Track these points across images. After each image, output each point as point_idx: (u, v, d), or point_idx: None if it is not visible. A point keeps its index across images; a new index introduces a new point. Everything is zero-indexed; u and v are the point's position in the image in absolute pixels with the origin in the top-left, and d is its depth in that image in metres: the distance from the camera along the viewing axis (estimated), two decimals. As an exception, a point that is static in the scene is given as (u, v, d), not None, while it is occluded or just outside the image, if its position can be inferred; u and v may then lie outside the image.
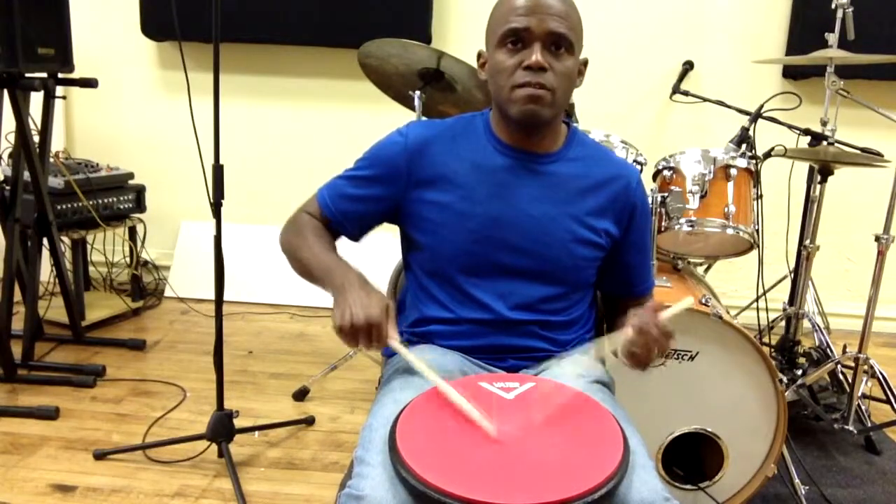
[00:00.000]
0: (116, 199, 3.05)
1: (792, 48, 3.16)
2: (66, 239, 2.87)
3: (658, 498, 1.03)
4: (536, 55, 1.20)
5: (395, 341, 1.14)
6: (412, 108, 2.32)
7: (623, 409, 1.24)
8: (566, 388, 1.17)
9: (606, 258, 1.36)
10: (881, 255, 2.14)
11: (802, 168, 2.55)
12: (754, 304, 2.52)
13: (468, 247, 1.29)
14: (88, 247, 3.25)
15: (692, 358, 1.77)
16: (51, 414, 2.25)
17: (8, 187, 2.52)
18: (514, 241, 1.29)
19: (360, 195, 1.35)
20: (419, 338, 1.35)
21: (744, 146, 2.09)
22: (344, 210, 1.36)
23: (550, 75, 1.21)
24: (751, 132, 2.12)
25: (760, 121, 2.23)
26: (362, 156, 1.36)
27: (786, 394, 1.83)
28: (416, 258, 1.37)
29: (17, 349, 2.54)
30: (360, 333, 1.12)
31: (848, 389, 2.24)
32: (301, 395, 2.48)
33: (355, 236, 1.39)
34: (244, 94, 3.43)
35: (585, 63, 1.31)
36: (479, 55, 1.33)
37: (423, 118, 2.31)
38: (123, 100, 3.50)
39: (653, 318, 1.14)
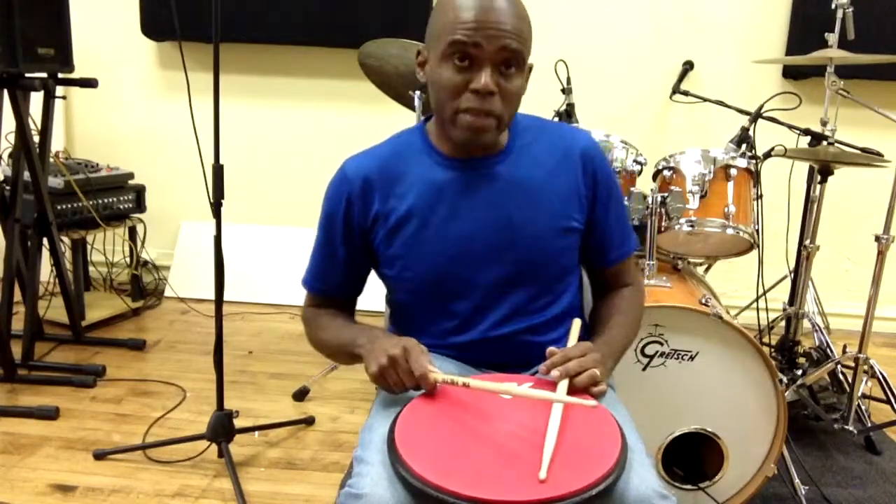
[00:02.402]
0: (116, 199, 3.05)
1: (792, 48, 3.16)
2: (66, 239, 2.87)
3: (655, 495, 1.03)
4: (486, 78, 1.12)
5: (433, 372, 1.11)
6: (412, 108, 2.32)
7: (623, 407, 1.24)
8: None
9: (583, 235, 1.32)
10: (881, 255, 2.14)
11: (802, 168, 2.55)
12: (754, 304, 2.52)
13: (439, 272, 1.26)
14: (88, 247, 3.25)
15: (692, 358, 1.77)
16: (51, 414, 2.25)
17: (8, 187, 2.52)
18: (485, 254, 1.25)
19: (336, 262, 1.32)
20: None
21: (744, 146, 2.09)
22: (332, 283, 1.35)
23: (498, 100, 1.14)
24: (751, 132, 2.12)
25: (760, 121, 2.22)
26: (319, 218, 1.33)
27: (786, 394, 1.83)
28: (396, 294, 1.34)
29: (17, 349, 2.54)
30: (397, 364, 1.10)
31: (848, 389, 2.24)
32: (301, 395, 2.48)
33: (357, 293, 1.39)
34: (244, 94, 3.43)
35: (531, 68, 1.23)
36: (419, 53, 1.26)
37: (423, 115, 2.30)
38: (123, 100, 3.50)
39: (562, 358, 1.13)
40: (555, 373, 1.12)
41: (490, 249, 1.25)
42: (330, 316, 1.36)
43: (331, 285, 1.36)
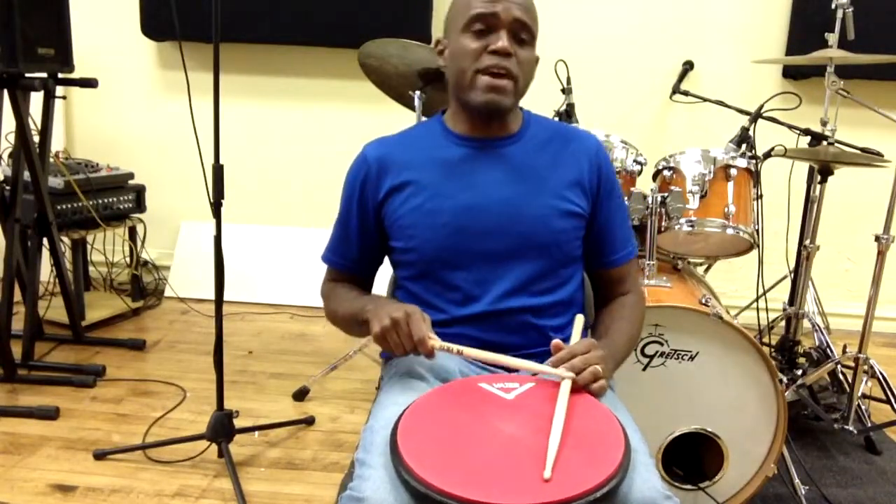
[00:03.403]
0: (116, 199, 3.05)
1: (792, 48, 3.16)
2: (66, 239, 2.86)
3: (659, 496, 1.03)
4: (503, 41, 1.22)
5: (431, 339, 1.15)
6: (412, 108, 2.32)
7: (624, 407, 1.24)
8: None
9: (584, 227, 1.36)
10: (881, 255, 2.14)
11: (802, 168, 2.55)
12: (754, 304, 2.52)
13: (446, 241, 1.30)
14: (88, 247, 3.25)
15: (692, 358, 1.77)
16: (51, 414, 2.25)
17: (8, 187, 2.52)
18: (490, 225, 1.29)
19: (351, 238, 1.38)
20: None
21: (744, 146, 2.09)
22: (348, 259, 1.41)
23: (514, 62, 1.23)
24: (751, 132, 2.12)
25: (760, 121, 2.22)
26: (340, 196, 1.39)
27: (786, 394, 1.83)
28: (403, 266, 1.37)
29: (17, 349, 2.54)
30: (398, 326, 1.14)
31: (848, 389, 2.24)
32: (301, 395, 2.48)
33: (373, 271, 1.44)
34: (244, 94, 3.43)
35: (537, 60, 1.33)
36: (437, 42, 1.35)
37: (424, 118, 2.31)
38: (123, 100, 3.50)
39: (569, 354, 1.14)
40: (562, 369, 1.13)
41: (494, 222, 1.29)
42: (345, 289, 1.41)
43: (347, 260, 1.41)
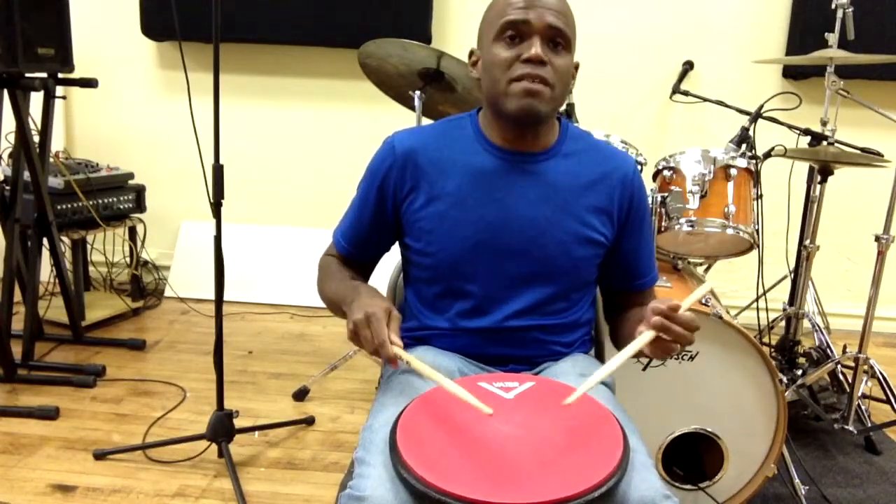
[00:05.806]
0: (116, 199, 3.06)
1: (792, 48, 3.16)
2: (66, 239, 2.87)
3: (658, 496, 1.03)
4: (536, 48, 1.18)
5: (394, 346, 1.11)
6: (412, 108, 2.31)
7: (623, 408, 1.24)
8: (566, 388, 1.17)
9: (606, 253, 1.34)
10: (881, 255, 2.14)
11: (802, 168, 2.55)
12: (754, 304, 2.52)
13: (463, 255, 1.27)
14: (88, 247, 3.25)
15: (692, 358, 1.77)
16: (51, 414, 2.25)
17: (8, 187, 2.52)
18: (511, 245, 1.27)
19: (366, 226, 1.34)
20: (417, 341, 1.34)
21: (744, 146, 2.09)
22: (357, 244, 1.37)
23: (549, 70, 1.19)
24: (751, 132, 2.12)
25: (760, 121, 2.23)
26: (361, 178, 1.35)
27: (786, 394, 1.83)
28: (414, 268, 1.35)
29: (17, 349, 2.54)
30: (360, 330, 1.11)
31: (848, 389, 2.24)
32: (301, 395, 2.48)
33: (374, 261, 1.41)
34: (244, 94, 3.43)
35: (577, 66, 1.30)
36: (471, 53, 1.31)
37: (426, 119, 2.31)
38: (123, 100, 3.50)
39: (673, 314, 1.11)
40: (655, 319, 1.11)
41: (515, 244, 1.27)
42: (339, 268, 1.37)
43: (352, 246, 1.37)
